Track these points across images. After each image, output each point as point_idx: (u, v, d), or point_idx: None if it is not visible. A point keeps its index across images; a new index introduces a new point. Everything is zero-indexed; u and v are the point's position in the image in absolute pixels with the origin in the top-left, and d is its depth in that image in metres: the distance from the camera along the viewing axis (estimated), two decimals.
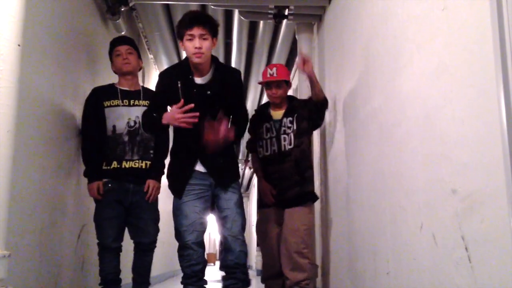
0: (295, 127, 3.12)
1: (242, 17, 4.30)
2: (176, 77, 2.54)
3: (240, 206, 2.62)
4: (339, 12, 3.50)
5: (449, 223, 1.67)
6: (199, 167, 2.57)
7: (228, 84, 2.59)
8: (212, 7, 4.17)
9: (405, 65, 2.12)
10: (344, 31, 3.31)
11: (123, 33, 4.14)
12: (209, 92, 2.53)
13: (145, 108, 2.82)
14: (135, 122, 2.87)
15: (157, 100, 2.63)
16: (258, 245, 3.31)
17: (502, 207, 1.36)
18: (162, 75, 2.65)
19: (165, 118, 2.47)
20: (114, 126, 2.85)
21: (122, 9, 3.81)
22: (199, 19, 2.48)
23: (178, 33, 2.54)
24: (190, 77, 2.54)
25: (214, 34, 2.51)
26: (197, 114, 2.41)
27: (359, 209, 2.80)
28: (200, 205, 2.55)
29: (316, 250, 3.93)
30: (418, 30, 1.99)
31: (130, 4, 3.85)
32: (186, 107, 2.42)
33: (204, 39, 2.45)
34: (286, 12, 4.09)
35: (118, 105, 2.88)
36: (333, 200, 3.53)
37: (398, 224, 2.16)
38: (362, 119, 2.75)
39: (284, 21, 4.28)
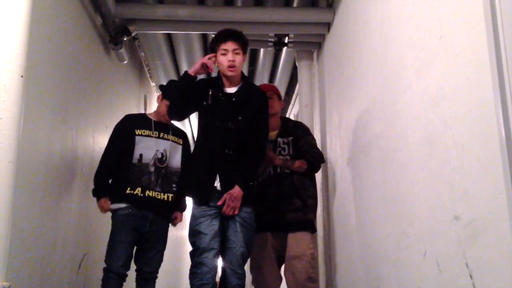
0: (291, 152, 3.03)
1: None
2: (208, 86, 2.73)
3: (249, 239, 2.59)
4: (338, 39, 3.55)
5: (453, 250, 1.65)
6: (217, 184, 2.57)
7: (252, 98, 2.72)
8: (213, 35, 4.23)
9: (405, 91, 2.13)
10: (343, 58, 3.34)
11: (125, 62, 4.19)
12: (234, 99, 2.68)
13: (172, 143, 2.98)
14: (162, 155, 2.92)
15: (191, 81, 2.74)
16: (251, 271, 3.12)
17: (505, 233, 1.35)
18: (198, 81, 2.80)
19: (192, 70, 2.67)
20: (141, 155, 2.88)
21: (125, 39, 3.86)
22: (233, 35, 2.71)
23: (212, 48, 2.75)
24: (220, 83, 2.72)
25: (244, 51, 2.73)
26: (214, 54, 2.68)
27: (361, 235, 2.78)
28: (217, 223, 2.55)
29: (320, 277, 3.88)
30: (416, 57, 2.01)
31: (133, 34, 3.91)
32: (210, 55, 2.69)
33: (237, 53, 2.67)
34: (286, 40, 4.15)
35: (149, 136, 2.93)
36: (335, 226, 3.50)
37: (401, 251, 2.14)
38: (363, 144, 2.76)
39: (284, 49, 4.34)
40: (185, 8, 3.85)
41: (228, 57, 2.65)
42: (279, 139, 3.06)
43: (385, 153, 2.39)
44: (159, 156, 2.91)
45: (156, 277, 2.96)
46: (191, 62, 4.98)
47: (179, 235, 7.68)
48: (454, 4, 1.70)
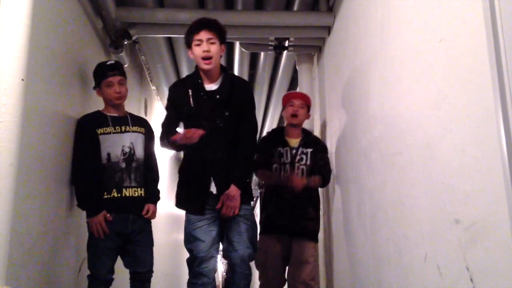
0: (308, 162, 3.13)
1: (243, 49, 4.36)
2: (187, 86, 2.57)
3: (253, 236, 2.52)
4: (338, 43, 3.56)
5: (453, 253, 1.65)
6: (213, 189, 2.49)
7: (237, 91, 2.58)
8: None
9: (405, 94, 2.14)
10: (343, 61, 3.35)
11: (125, 65, 4.20)
12: (218, 96, 2.52)
13: (136, 134, 2.87)
14: (129, 148, 2.85)
15: (170, 115, 2.64)
16: (257, 267, 3.14)
17: (506, 237, 1.35)
18: (172, 87, 2.69)
19: (181, 139, 2.42)
20: (108, 154, 2.81)
21: (125, 42, 3.87)
22: (207, 23, 2.52)
23: (187, 41, 2.56)
24: (200, 82, 2.54)
25: (222, 40, 2.53)
26: (201, 132, 2.37)
27: (362, 239, 2.78)
28: (215, 228, 2.46)
29: (320, 280, 3.88)
30: (416, 60, 2.02)
31: (133, 38, 3.92)
32: (195, 131, 2.39)
33: (212, 43, 2.48)
34: (286, 44, 4.16)
35: (110, 133, 2.85)
36: (336, 230, 3.50)
37: (402, 254, 2.14)
38: (363, 147, 2.76)
39: (285, 52, 4.35)
40: (185, 12, 3.86)
41: (203, 47, 2.46)
42: (301, 148, 3.17)
43: (385, 156, 2.39)
44: (127, 150, 2.84)
45: (151, 276, 2.91)
46: (192, 66, 4.97)
47: (179, 238, 7.67)
48: (454, 7, 1.70)
